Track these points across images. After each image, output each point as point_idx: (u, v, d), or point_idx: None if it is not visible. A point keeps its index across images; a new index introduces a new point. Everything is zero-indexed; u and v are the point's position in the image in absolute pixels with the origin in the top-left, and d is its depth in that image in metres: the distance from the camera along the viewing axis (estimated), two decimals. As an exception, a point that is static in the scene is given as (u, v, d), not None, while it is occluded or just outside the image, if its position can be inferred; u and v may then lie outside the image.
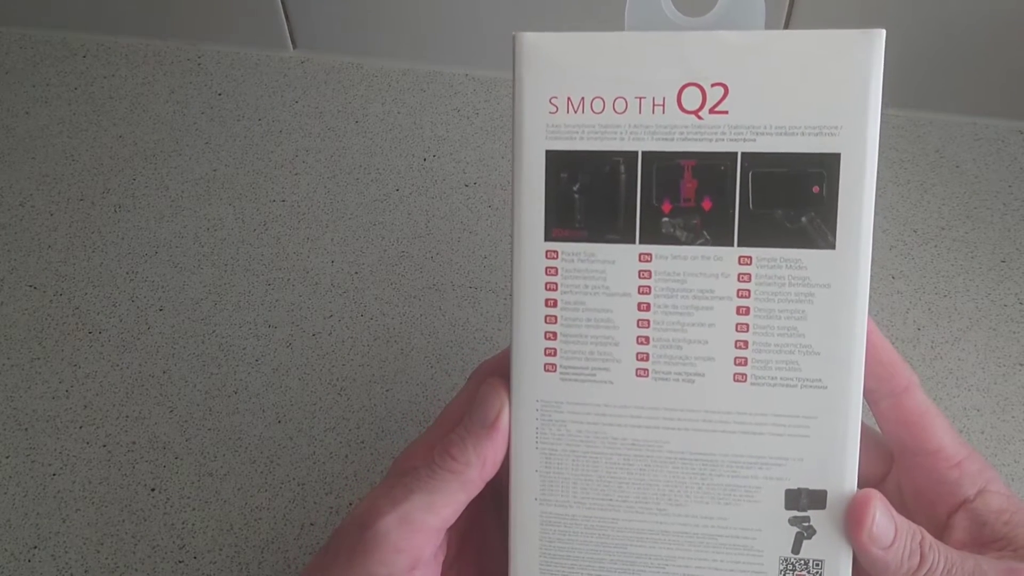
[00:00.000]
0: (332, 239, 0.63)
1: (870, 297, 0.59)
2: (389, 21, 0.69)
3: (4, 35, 0.75)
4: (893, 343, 0.56)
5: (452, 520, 0.36)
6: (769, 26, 0.51)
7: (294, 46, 0.72)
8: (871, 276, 0.59)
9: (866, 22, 0.34)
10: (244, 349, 0.59)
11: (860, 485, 0.36)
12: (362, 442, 0.55)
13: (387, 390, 0.57)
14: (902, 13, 0.62)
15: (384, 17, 0.69)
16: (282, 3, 0.69)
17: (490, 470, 0.37)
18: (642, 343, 0.36)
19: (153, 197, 0.65)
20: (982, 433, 0.54)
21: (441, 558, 0.38)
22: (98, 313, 0.60)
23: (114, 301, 0.61)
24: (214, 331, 0.59)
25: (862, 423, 0.36)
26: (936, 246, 0.62)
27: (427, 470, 0.36)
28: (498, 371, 0.38)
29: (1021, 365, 0.57)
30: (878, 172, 0.65)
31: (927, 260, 0.61)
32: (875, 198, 0.63)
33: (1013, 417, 0.55)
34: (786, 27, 0.63)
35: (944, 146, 0.66)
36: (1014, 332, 0.58)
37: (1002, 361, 0.57)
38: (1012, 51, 0.62)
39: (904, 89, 0.66)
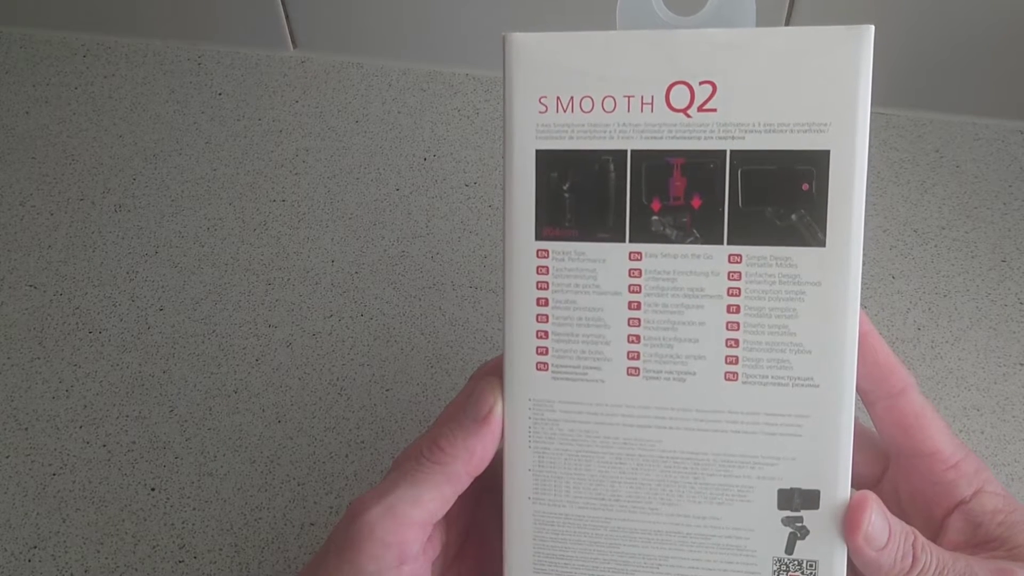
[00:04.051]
0: (332, 239, 0.63)
1: (870, 297, 0.59)
2: (389, 21, 0.69)
3: (4, 35, 0.75)
4: (893, 343, 0.57)
5: (438, 514, 0.36)
6: (768, 25, 0.51)
7: (294, 46, 0.72)
8: (871, 276, 0.60)
9: (866, 21, 0.34)
10: (244, 349, 0.59)
11: (856, 486, 0.35)
12: (362, 442, 0.55)
13: (387, 390, 0.57)
14: (903, 13, 0.61)
15: (384, 17, 0.69)
16: (282, 3, 0.69)
17: (477, 465, 0.36)
18: (633, 342, 0.36)
19: (153, 197, 0.66)
20: (982, 433, 0.54)
21: (433, 555, 0.38)
22: (98, 313, 0.60)
23: (114, 301, 0.61)
24: (214, 331, 0.60)
25: (858, 424, 0.36)
26: (936, 246, 0.61)
27: (414, 462, 0.36)
28: (498, 372, 0.38)
29: (1021, 365, 0.57)
30: (878, 172, 0.65)
31: (927, 260, 0.61)
32: (875, 198, 0.63)
33: (1013, 417, 0.55)
34: (786, 26, 0.63)
35: (944, 146, 0.66)
36: (1014, 332, 0.58)
37: (1002, 361, 0.57)
38: (1012, 51, 0.62)
39: (904, 89, 0.66)
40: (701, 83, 0.34)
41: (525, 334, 0.37)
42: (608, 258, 0.35)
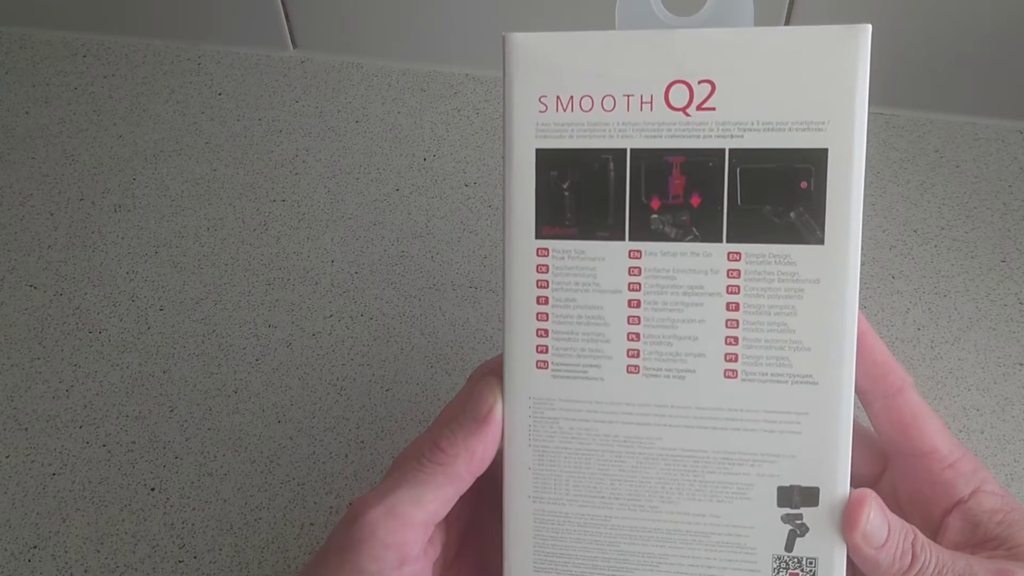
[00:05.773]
0: (332, 239, 0.63)
1: (870, 297, 0.59)
2: (389, 21, 0.69)
3: (4, 35, 0.75)
4: (893, 343, 0.57)
5: (440, 515, 0.36)
6: (767, 24, 0.51)
7: (294, 46, 0.72)
8: (871, 276, 0.60)
9: (865, 21, 0.34)
10: (244, 349, 0.59)
11: (855, 485, 0.35)
12: (362, 442, 0.55)
13: (387, 390, 0.57)
14: (902, 13, 0.61)
15: (384, 17, 0.69)
16: (282, 3, 0.69)
17: (478, 465, 0.36)
18: (633, 340, 0.36)
19: (153, 197, 0.66)
20: (982, 433, 0.54)
21: (434, 556, 0.38)
22: (98, 313, 0.60)
23: (114, 301, 0.61)
24: (214, 331, 0.60)
25: (857, 424, 0.36)
26: (936, 246, 0.61)
27: (415, 463, 0.36)
28: (497, 371, 0.38)
29: (1021, 365, 0.57)
30: (878, 172, 0.65)
31: (927, 260, 0.61)
32: (875, 198, 0.63)
33: (1013, 417, 0.55)
34: (785, 25, 0.63)
35: (944, 146, 0.66)
36: (1014, 332, 0.58)
37: (1002, 361, 0.57)
38: (1012, 51, 0.62)
39: (904, 89, 0.66)
40: (700, 82, 0.34)
41: (525, 333, 0.37)
42: (608, 256, 0.35)
